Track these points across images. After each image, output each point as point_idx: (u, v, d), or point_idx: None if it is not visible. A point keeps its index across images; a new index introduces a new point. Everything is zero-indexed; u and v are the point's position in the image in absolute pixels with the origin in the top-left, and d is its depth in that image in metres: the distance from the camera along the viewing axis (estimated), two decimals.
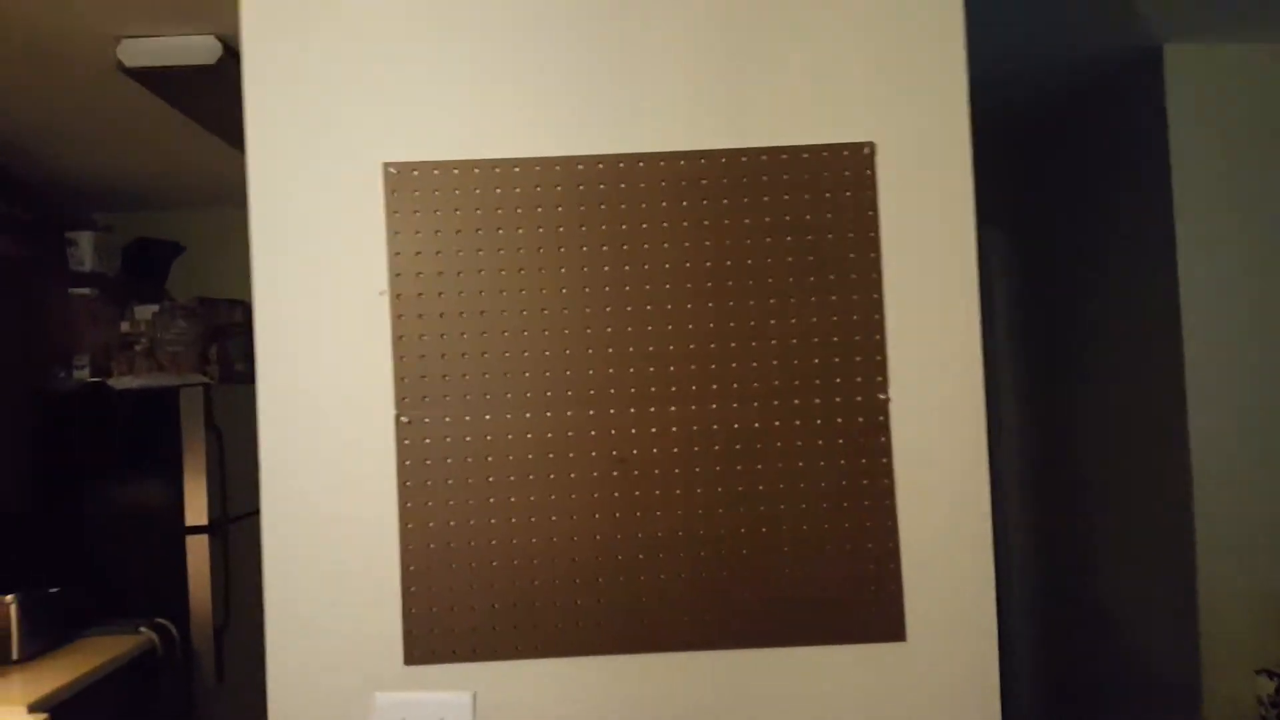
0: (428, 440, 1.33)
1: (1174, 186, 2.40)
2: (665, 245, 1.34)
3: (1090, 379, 2.87)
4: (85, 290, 3.31)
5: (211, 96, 2.26)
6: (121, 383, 3.20)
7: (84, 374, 3.25)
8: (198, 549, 3.00)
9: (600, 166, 1.33)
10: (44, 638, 2.59)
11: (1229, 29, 2.30)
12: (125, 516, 3.00)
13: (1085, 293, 2.87)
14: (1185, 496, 2.36)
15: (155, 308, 3.41)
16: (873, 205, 1.35)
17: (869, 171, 1.35)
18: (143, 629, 2.79)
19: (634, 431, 1.34)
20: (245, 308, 3.86)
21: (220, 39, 2.06)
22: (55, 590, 2.68)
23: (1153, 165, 2.46)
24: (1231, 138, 2.40)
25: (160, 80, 2.11)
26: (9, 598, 2.48)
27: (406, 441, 1.32)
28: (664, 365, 1.34)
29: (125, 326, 3.41)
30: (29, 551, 2.89)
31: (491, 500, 1.33)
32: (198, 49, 2.06)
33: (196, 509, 3.01)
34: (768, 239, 1.34)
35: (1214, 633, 2.32)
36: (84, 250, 3.36)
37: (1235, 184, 2.40)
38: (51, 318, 3.20)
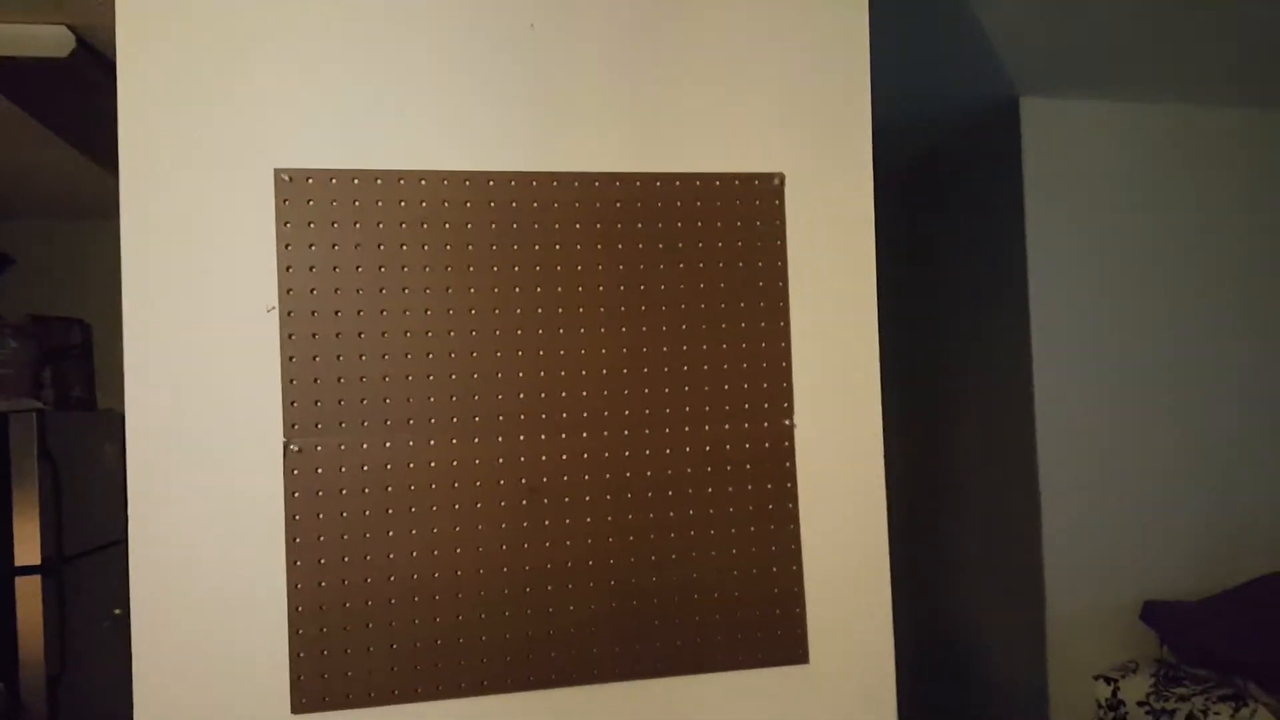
0: (320, 470, 1.23)
1: (1027, 229, 2.61)
2: (578, 267, 1.31)
3: (952, 404, 3.06)
4: None
5: (59, 94, 2.04)
6: None
7: None
8: (29, 591, 2.69)
9: (513, 184, 1.29)
10: None
11: (1078, 87, 2.54)
12: None
13: (950, 325, 3.07)
14: (1034, 517, 2.55)
15: None
16: (781, 235, 1.38)
17: (778, 202, 1.38)
18: None
19: (544, 459, 1.30)
20: (83, 327, 3.50)
21: (74, 30, 1.86)
22: None
23: (1009, 207, 2.68)
24: (1078, 186, 2.65)
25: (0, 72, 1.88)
26: None
27: (296, 471, 1.22)
28: (576, 390, 1.31)
29: None
30: None
31: (391, 534, 1.25)
32: (47, 39, 1.85)
33: (28, 548, 2.70)
34: (680, 265, 1.34)
35: (1060, 642, 2.51)
36: None
37: (1080, 228, 2.64)
38: None
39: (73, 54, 1.86)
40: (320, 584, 1.22)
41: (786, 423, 1.37)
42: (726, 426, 1.35)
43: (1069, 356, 2.59)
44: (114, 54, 1.94)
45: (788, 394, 1.37)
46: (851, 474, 1.40)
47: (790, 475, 1.37)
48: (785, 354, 1.37)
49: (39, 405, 2.95)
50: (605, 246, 1.32)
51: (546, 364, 1.30)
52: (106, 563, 3.14)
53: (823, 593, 1.39)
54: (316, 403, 1.23)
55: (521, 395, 1.29)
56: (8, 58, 1.83)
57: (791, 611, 1.37)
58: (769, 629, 1.36)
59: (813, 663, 1.38)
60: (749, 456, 1.36)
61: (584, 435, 1.31)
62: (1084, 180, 2.66)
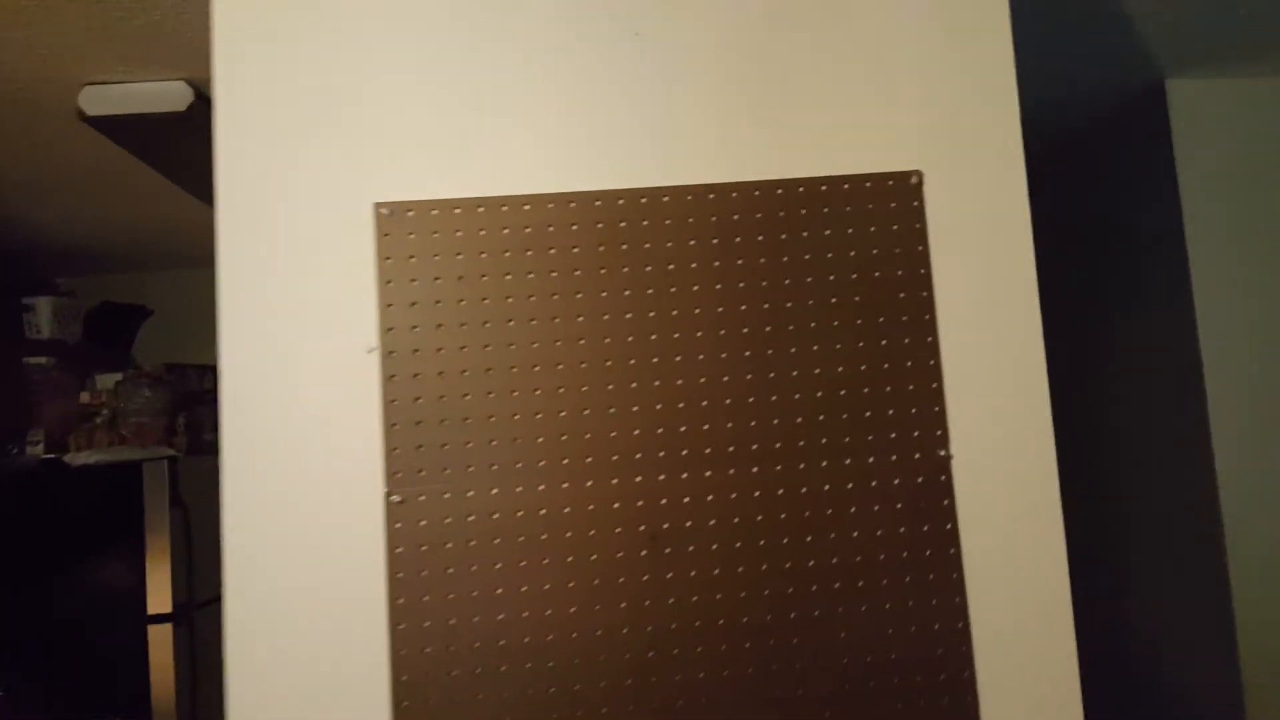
0: (424, 522, 1.14)
1: (1184, 217, 2.36)
2: (695, 288, 1.19)
3: (1108, 415, 2.76)
4: (41, 359, 3.09)
5: (181, 147, 2.10)
6: (78, 458, 2.97)
7: (38, 450, 3.02)
8: (161, 639, 2.74)
9: (621, 202, 1.19)
10: None
11: (1228, 63, 2.27)
12: (83, 605, 2.75)
13: (1099, 327, 2.78)
14: (1216, 533, 2.24)
15: (118, 376, 3.20)
16: (922, 239, 1.21)
17: (917, 203, 1.21)
18: None
19: (664, 502, 1.16)
20: (215, 373, 3.64)
21: (191, 84, 1.91)
22: (3, 694, 2.40)
23: (1162, 197, 2.42)
24: (1237, 168, 2.37)
25: (125, 129, 1.95)
26: None
27: (398, 525, 1.13)
28: (697, 424, 1.17)
29: (85, 397, 3.20)
30: None
31: (500, 591, 1.14)
32: (166, 95, 1.90)
33: (160, 596, 2.76)
34: (809, 280, 1.20)
35: (1256, 670, 2.17)
36: (41, 316, 3.15)
37: (1243, 213, 2.36)
38: (3, 390, 2.98)
39: (190, 107, 1.90)
40: (425, 650, 1.12)
41: (941, 453, 1.19)
42: (871, 459, 1.18)
43: (1242, 358, 2.29)
44: None
45: (941, 420, 1.19)
46: (1022, 509, 1.19)
47: (949, 514, 1.18)
48: (935, 374, 1.19)
49: (171, 452, 3.05)
50: (723, 264, 1.19)
51: (664, 396, 1.17)
52: None
53: (995, 650, 1.19)
54: (419, 448, 1.14)
55: (637, 431, 1.17)
56: (131, 115, 1.89)
57: (959, 675, 1.18)
58: (933, 695, 1.16)
59: None
60: (899, 493, 1.18)
61: (707, 474, 1.17)
62: (1245, 164, 2.38)
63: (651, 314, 1.18)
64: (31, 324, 3.14)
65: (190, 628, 2.79)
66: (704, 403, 1.17)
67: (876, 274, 1.20)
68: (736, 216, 1.20)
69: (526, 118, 1.20)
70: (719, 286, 1.19)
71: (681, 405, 1.17)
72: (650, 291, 1.18)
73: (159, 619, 2.72)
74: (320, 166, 1.17)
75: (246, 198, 1.16)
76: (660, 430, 1.17)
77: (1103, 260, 2.81)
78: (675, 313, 1.18)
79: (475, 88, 1.19)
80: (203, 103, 1.94)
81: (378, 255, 1.16)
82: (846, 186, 1.21)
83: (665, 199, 1.19)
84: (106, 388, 3.22)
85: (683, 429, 1.17)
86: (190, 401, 3.46)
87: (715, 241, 1.19)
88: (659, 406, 1.17)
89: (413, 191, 1.17)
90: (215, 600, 3.03)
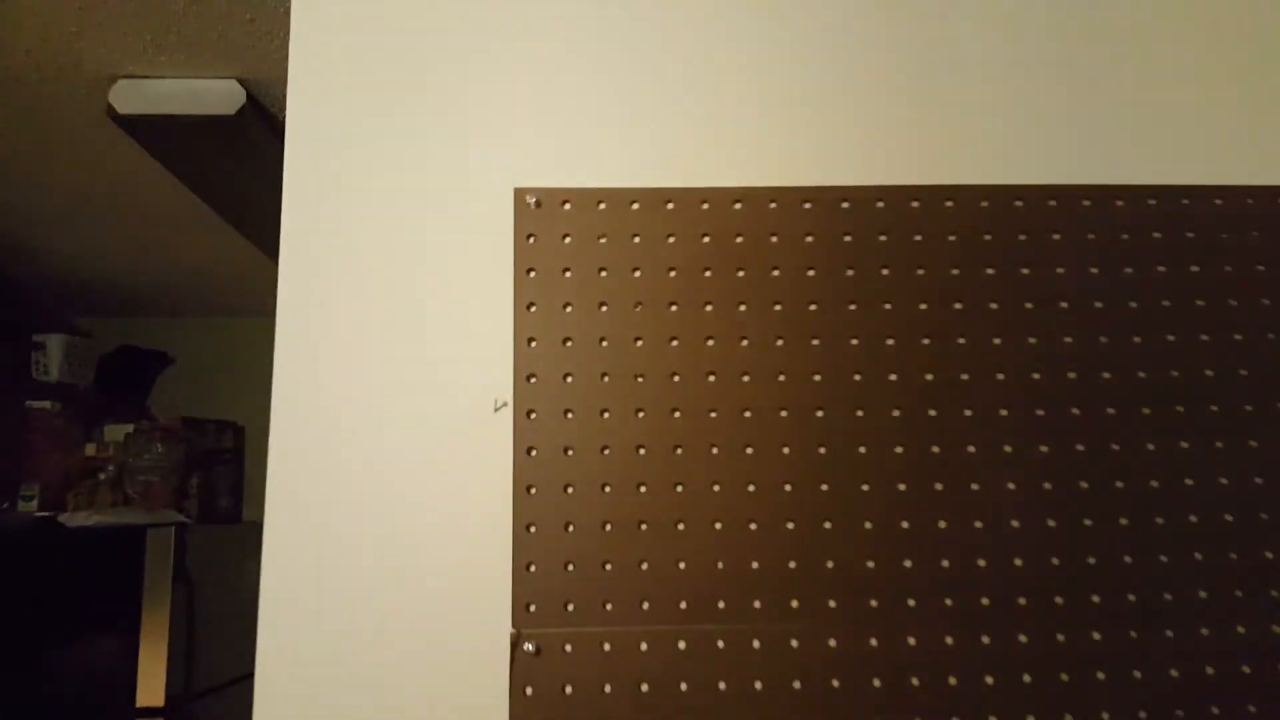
0: (570, 688, 0.70)
1: None
2: (996, 341, 0.77)
3: None
4: (45, 403, 2.74)
5: (224, 162, 1.77)
6: (75, 519, 2.61)
7: (31, 506, 2.65)
8: None
9: (880, 205, 0.78)
10: None
11: None
12: (66, 688, 2.38)
13: None
14: None
15: (129, 428, 2.83)
16: None
17: None
18: None
19: (983, 674, 0.72)
20: (236, 430, 3.27)
21: (244, 84, 1.58)
22: None
23: None
24: None
25: (159, 133, 1.62)
26: None
27: (530, 690, 0.70)
28: (1004, 550, 0.74)
29: (90, 449, 2.84)
30: None
31: None
32: (213, 94, 1.57)
33: (152, 686, 2.38)
34: (1169, 338, 0.78)
35: None
36: (52, 356, 2.81)
37: None
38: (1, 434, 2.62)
39: (240, 111, 1.57)
40: None
41: None
42: None
43: None
44: (279, 110, 1.68)
45: None
46: None
47: None
48: None
49: (180, 518, 2.68)
50: (1037, 305, 0.78)
51: (958, 511, 0.74)
52: (237, 699, 2.77)
53: None
54: (568, 567, 0.72)
55: (911, 563, 0.73)
56: (169, 115, 1.55)
57: None
58: None
59: None
60: None
61: (1061, 639, 0.73)
62: None
63: (929, 377, 0.76)
64: (40, 364, 2.80)
65: None
66: (1015, 523, 0.74)
67: (1271, 337, 0.78)
68: (1057, 236, 0.79)
69: (741, 75, 0.81)
70: (1033, 341, 0.77)
71: (979, 525, 0.74)
72: (927, 342, 0.77)
73: (148, 713, 2.32)
74: (428, 139, 0.79)
75: (317, 182, 0.78)
76: (946, 563, 0.73)
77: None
78: (966, 377, 0.76)
79: (664, 30, 0.81)
80: (255, 107, 1.61)
81: (516, 265, 0.76)
82: (1219, 203, 0.80)
83: (948, 203, 0.79)
84: (115, 440, 2.89)
85: (983, 563, 0.74)
86: (207, 461, 3.09)
87: (1026, 272, 0.78)
88: (948, 525, 0.74)
89: (567, 178, 0.78)
90: (215, 690, 2.61)
